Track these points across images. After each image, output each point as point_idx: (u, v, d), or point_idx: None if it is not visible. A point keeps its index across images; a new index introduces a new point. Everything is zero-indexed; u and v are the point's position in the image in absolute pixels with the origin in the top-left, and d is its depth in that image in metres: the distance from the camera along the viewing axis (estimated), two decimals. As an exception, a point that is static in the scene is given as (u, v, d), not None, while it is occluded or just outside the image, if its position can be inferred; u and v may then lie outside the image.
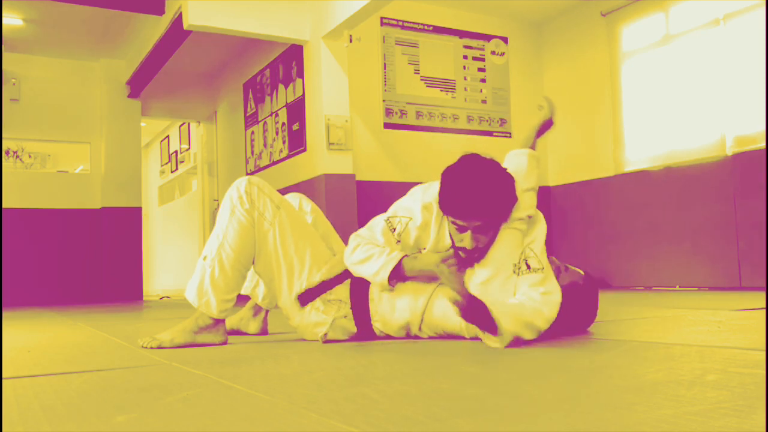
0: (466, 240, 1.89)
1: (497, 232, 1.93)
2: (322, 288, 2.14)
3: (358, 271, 2.09)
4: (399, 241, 2.07)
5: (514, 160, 2.09)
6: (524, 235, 1.94)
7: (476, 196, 1.84)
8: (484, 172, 1.88)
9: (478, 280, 1.91)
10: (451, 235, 1.97)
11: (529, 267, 1.89)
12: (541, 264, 1.89)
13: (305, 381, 1.41)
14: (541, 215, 2.01)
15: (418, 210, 2.04)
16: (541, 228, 1.97)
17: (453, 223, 1.91)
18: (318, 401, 1.16)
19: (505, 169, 1.96)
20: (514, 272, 1.89)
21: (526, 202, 1.96)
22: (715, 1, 5.14)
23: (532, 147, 2.21)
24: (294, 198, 2.46)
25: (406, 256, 2.03)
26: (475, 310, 1.75)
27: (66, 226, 7.05)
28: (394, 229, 2.07)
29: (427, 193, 2.07)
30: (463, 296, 1.74)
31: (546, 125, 2.30)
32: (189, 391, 1.31)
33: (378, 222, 2.12)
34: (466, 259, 1.93)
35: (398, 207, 2.12)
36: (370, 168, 5.68)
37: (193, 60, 7.20)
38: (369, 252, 2.06)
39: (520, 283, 1.88)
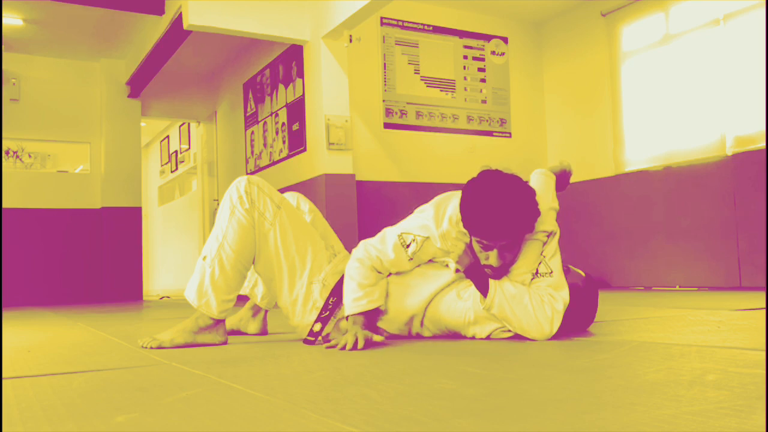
0: (492, 258, 1.91)
1: (521, 246, 1.96)
2: (326, 318, 2.13)
3: (345, 283, 2.10)
4: (412, 259, 2.07)
5: (542, 178, 2.10)
6: (543, 245, 1.98)
7: (504, 217, 1.85)
8: (509, 192, 1.87)
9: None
10: (475, 252, 1.97)
11: (537, 272, 1.95)
12: (549, 269, 1.94)
13: (305, 381, 1.41)
14: (557, 227, 2.05)
15: (435, 232, 2.04)
16: (557, 240, 2.01)
17: (479, 242, 1.92)
18: (318, 401, 1.16)
19: (527, 182, 1.97)
20: (530, 279, 1.96)
21: (549, 220, 1.99)
22: (715, 1, 5.14)
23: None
24: (291, 197, 2.45)
25: (377, 309, 2.07)
26: (476, 269, 1.93)
27: (66, 226, 7.05)
28: (408, 246, 2.06)
29: (443, 211, 2.05)
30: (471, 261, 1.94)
31: (563, 177, 2.21)
32: (189, 391, 1.31)
33: (390, 236, 2.10)
34: (493, 274, 1.95)
35: (410, 225, 2.10)
36: (370, 168, 5.68)
37: (193, 60, 7.20)
38: (362, 279, 2.06)
39: (532, 285, 1.95)
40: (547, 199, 2.02)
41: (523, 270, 1.95)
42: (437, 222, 2.04)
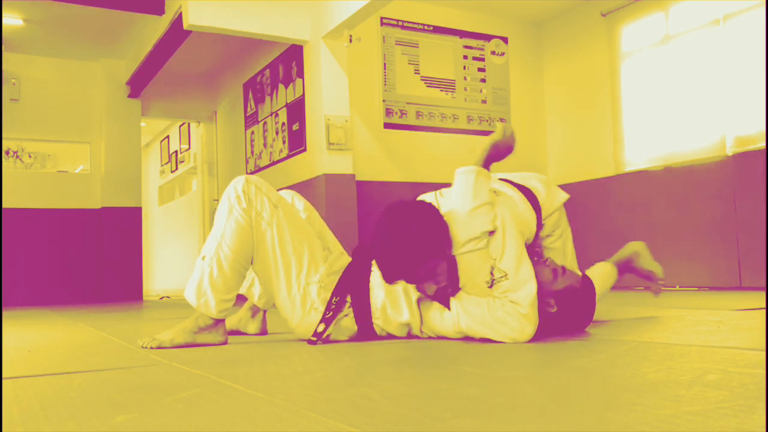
0: (426, 288, 1.96)
1: (452, 262, 1.93)
2: (330, 319, 2.13)
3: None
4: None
5: (461, 179, 2.01)
6: (487, 248, 1.89)
7: (397, 265, 1.90)
8: (394, 238, 1.90)
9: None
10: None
11: (493, 279, 1.88)
12: (502, 272, 1.87)
13: (305, 381, 1.41)
14: (507, 221, 1.93)
15: None
16: (507, 233, 1.91)
17: None
18: (318, 401, 1.16)
19: (424, 207, 1.95)
20: (488, 288, 1.90)
21: (479, 220, 1.90)
22: (715, 1, 5.14)
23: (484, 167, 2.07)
24: (286, 195, 2.44)
25: None
26: (436, 295, 1.98)
27: (66, 226, 7.05)
28: None
29: None
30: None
31: (502, 149, 2.11)
32: (189, 391, 1.31)
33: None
34: (440, 297, 1.99)
35: None
36: (370, 168, 5.68)
37: (193, 60, 7.20)
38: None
39: (494, 293, 1.90)
40: (468, 201, 1.93)
41: (472, 284, 1.91)
42: None
